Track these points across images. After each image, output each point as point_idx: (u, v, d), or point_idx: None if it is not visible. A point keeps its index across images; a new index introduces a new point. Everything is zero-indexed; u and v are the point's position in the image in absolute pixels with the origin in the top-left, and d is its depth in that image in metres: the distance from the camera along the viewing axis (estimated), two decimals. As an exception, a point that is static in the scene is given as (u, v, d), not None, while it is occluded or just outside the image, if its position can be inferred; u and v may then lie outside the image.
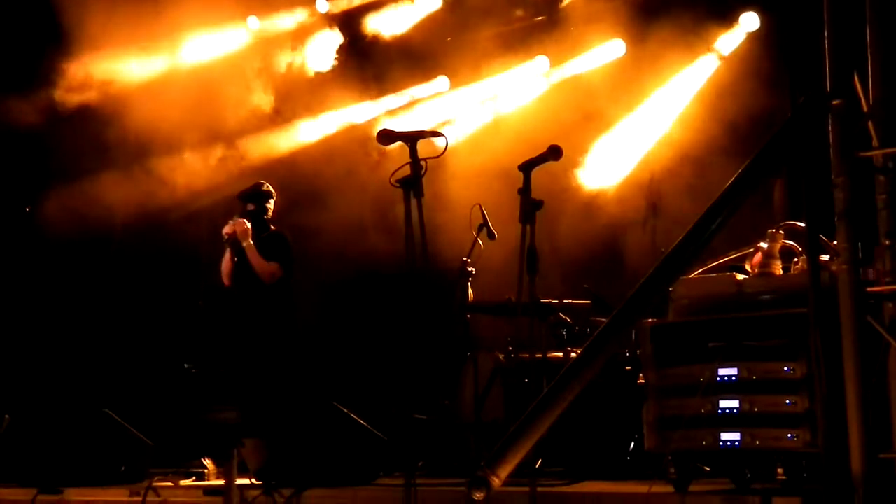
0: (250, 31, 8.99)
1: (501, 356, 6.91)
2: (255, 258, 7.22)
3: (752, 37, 7.83)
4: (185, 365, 7.89)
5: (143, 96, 8.40)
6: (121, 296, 9.01)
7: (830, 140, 4.29)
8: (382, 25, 9.01)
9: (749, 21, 7.81)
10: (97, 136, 8.44)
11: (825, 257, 4.91)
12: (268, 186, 7.47)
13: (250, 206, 7.35)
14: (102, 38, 8.18)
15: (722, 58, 7.97)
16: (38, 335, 8.86)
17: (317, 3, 9.03)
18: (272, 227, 7.46)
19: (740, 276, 5.26)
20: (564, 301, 6.98)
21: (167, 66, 8.72)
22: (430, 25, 8.90)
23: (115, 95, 8.49)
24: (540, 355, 6.01)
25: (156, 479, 6.53)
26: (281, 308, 7.31)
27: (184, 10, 8.27)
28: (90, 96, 8.48)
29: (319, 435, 6.34)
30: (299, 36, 8.99)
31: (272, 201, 7.44)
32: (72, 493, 6.50)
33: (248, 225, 7.25)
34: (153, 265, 8.91)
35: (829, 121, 4.29)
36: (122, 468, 6.84)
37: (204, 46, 8.80)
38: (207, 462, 7.29)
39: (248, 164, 8.83)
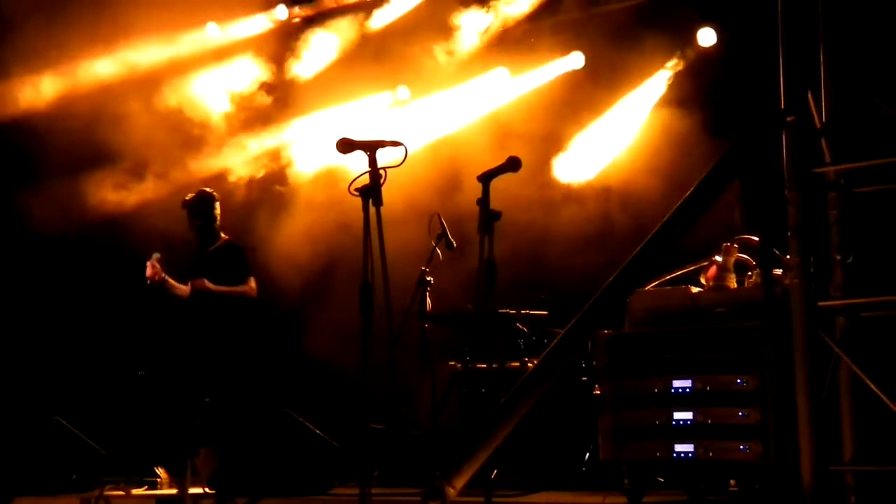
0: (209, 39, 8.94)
1: (458, 365, 6.92)
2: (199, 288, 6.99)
3: (709, 52, 7.92)
4: (140, 372, 7.79)
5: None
6: (72, 300, 8.88)
7: (784, 156, 4.35)
8: (343, 33, 9.00)
9: (706, 37, 7.90)
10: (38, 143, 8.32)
11: (779, 271, 4.98)
12: (212, 191, 7.23)
13: (197, 222, 7.10)
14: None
15: (679, 72, 8.06)
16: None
17: (277, 9, 9.00)
18: (222, 234, 7.23)
19: (695, 289, 5.32)
20: (522, 311, 7.01)
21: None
22: (391, 34, 8.90)
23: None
24: (497, 365, 6.04)
25: (107, 487, 6.45)
26: (232, 315, 7.17)
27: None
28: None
29: (273, 444, 6.31)
30: (258, 44, 8.95)
31: (217, 206, 7.18)
32: (22, 502, 6.40)
33: (157, 266, 6.95)
34: (107, 269, 8.80)
35: (783, 137, 4.35)
36: (73, 476, 6.75)
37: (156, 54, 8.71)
38: (160, 471, 7.21)
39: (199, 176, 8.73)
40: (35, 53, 8.10)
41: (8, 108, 8.25)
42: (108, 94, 8.43)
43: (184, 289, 7.02)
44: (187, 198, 7.17)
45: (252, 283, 7.11)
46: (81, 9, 7.92)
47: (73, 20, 7.95)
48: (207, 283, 6.93)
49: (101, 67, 8.50)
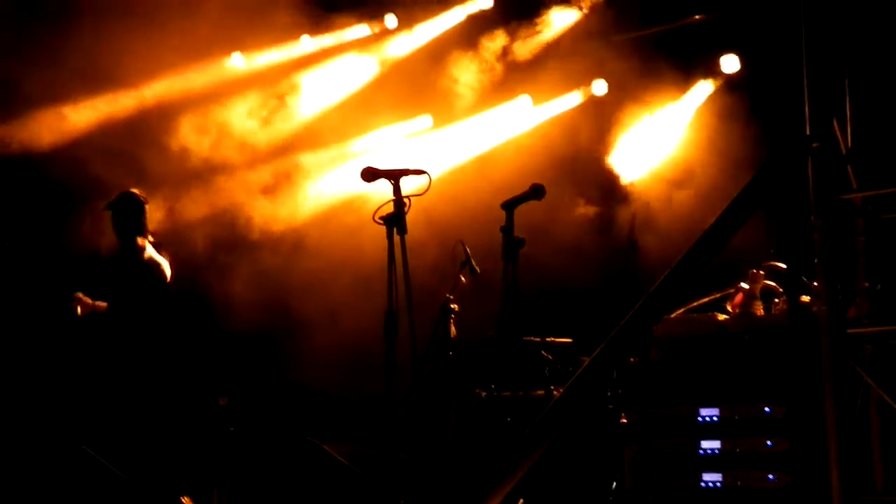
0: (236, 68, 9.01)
1: (483, 394, 6.89)
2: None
3: (732, 78, 7.92)
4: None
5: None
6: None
7: (810, 182, 4.33)
8: (365, 62, 9.07)
9: (729, 63, 7.90)
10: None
11: (806, 298, 4.94)
12: (140, 194, 6.79)
13: (123, 225, 6.59)
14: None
15: (702, 98, 8.06)
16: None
17: (302, 39, 9.08)
18: (150, 239, 6.72)
19: (722, 317, 5.29)
20: (547, 339, 6.98)
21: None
22: (413, 63, 8.96)
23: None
24: (522, 393, 6.01)
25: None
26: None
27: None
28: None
29: (298, 473, 6.29)
30: (284, 74, 9.02)
31: (146, 210, 6.73)
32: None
33: (84, 300, 6.60)
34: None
35: (809, 164, 4.34)
36: None
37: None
38: (186, 501, 7.20)
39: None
40: (67, 83, 8.18)
41: (46, 138, 8.31)
42: (133, 125, 8.50)
43: (102, 305, 6.66)
44: (114, 200, 6.73)
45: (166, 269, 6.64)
46: (110, 41, 8.01)
47: (101, 51, 8.04)
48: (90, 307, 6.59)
49: (128, 98, 8.57)
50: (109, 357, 6.62)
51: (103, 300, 6.72)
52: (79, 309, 6.58)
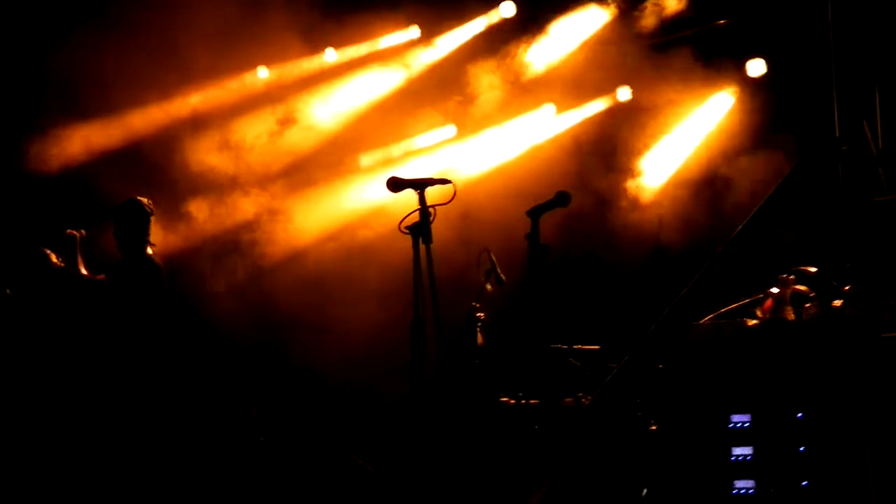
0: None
1: (511, 402, 6.87)
2: None
3: (759, 82, 7.87)
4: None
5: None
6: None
7: (840, 185, 4.30)
8: (390, 74, 9.09)
9: (756, 67, 7.85)
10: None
11: (838, 302, 4.89)
12: (147, 204, 6.70)
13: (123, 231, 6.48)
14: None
15: (729, 103, 8.01)
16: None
17: (326, 52, 9.11)
18: (150, 251, 6.66)
19: (752, 322, 5.24)
20: (574, 346, 6.95)
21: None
22: (437, 74, 8.98)
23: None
24: (550, 401, 5.98)
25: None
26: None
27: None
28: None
29: (328, 482, 6.29)
30: (308, 87, 9.05)
31: (151, 220, 6.64)
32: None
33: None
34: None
35: (839, 166, 4.30)
36: None
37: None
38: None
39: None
40: (103, 97, 8.26)
41: (75, 153, 8.37)
42: (164, 138, 8.56)
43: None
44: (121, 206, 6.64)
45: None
46: (141, 53, 8.08)
47: (133, 65, 8.11)
48: None
49: (159, 111, 8.63)
50: (114, 363, 6.50)
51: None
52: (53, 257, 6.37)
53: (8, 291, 6.41)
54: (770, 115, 7.49)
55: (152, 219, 6.65)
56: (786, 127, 7.14)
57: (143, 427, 6.41)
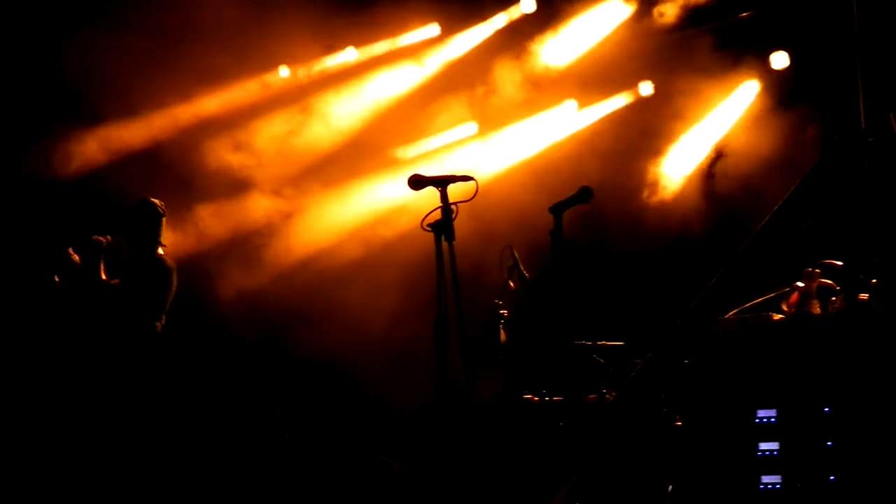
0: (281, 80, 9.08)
1: (535, 399, 6.85)
2: None
3: (783, 74, 7.82)
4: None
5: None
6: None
7: (866, 177, 4.26)
8: (410, 71, 9.09)
9: (779, 60, 7.80)
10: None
11: (864, 295, 4.85)
12: (160, 205, 6.68)
13: (139, 241, 6.48)
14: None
15: (752, 95, 7.96)
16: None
17: (346, 50, 9.12)
18: (161, 252, 6.66)
19: (777, 316, 5.20)
20: (598, 342, 6.93)
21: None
22: (458, 71, 8.97)
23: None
24: (574, 398, 5.97)
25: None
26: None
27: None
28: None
29: (354, 480, 6.29)
30: (329, 86, 9.07)
31: (163, 221, 6.65)
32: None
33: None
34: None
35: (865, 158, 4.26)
36: None
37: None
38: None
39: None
40: (128, 99, 8.29)
41: (95, 156, 8.41)
42: (185, 140, 8.60)
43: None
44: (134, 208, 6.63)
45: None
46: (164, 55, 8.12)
47: (151, 66, 8.14)
48: None
49: (182, 112, 8.66)
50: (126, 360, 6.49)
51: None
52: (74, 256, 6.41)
53: (56, 279, 6.43)
54: (794, 106, 7.45)
55: (164, 220, 6.66)
56: (810, 119, 7.09)
57: (167, 427, 6.43)
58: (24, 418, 6.83)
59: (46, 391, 6.79)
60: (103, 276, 6.51)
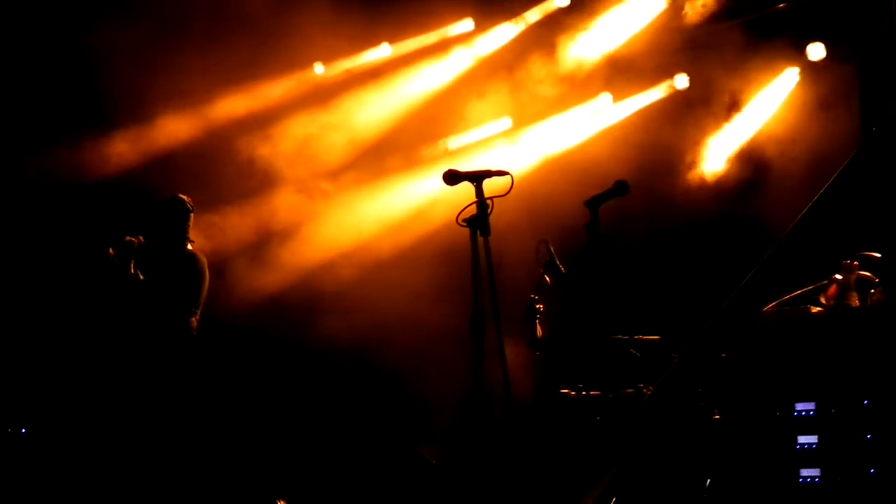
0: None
1: (572, 393, 6.85)
2: None
3: (819, 66, 7.75)
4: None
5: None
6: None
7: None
8: (446, 66, 9.10)
9: (816, 51, 7.73)
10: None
11: (903, 287, 4.81)
12: (188, 201, 6.74)
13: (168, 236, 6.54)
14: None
15: (789, 87, 7.90)
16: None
17: (381, 46, 9.15)
18: (189, 247, 6.68)
19: (815, 309, 5.17)
20: (635, 336, 6.92)
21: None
22: (492, 65, 8.97)
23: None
24: (611, 392, 5.96)
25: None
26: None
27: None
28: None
29: (390, 475, 6.33)
30: (364, 82, 9.10)
31: (191, 217, 6.68)
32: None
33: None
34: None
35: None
36: None
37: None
38: (281, 503, 7.31)
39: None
40: (172, 93, 8.36)
41: (144, 149, 8.47)
42: (231, 134, 8.66)
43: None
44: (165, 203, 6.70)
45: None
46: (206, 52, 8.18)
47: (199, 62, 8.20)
48: None
49: (214, 110, 8.72)
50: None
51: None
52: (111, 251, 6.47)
53: (111, 251, 6.50)
54: (831, 99, 7.38)
55: (192, 216, 6.71)
56: (848, 109, 7.02)
57: (206, 423, 6.50)
58: (73, 415, 6.92)
59: (93, 388, 6.88)
60: (139, 275, 6.58)
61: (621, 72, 8.54)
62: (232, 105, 8.75)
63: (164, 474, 6.27)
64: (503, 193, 4.93)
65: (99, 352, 6.92)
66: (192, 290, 6.54)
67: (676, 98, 8.42)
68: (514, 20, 8.96)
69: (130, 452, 6.30)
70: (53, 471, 6.66)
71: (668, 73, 8.43)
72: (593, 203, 5.12)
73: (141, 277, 6.60)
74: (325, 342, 8.46)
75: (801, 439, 4.90)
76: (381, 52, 9.19)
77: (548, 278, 6.90)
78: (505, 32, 8.98)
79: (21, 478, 6.59)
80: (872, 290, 5.16)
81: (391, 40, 9.12)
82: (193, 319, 6.58)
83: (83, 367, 7.13)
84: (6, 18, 8.08)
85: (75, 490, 6.52)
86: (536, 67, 8.67)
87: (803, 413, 4.93)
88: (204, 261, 6.66)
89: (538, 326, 7.01)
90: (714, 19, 8.02)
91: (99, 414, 6.65)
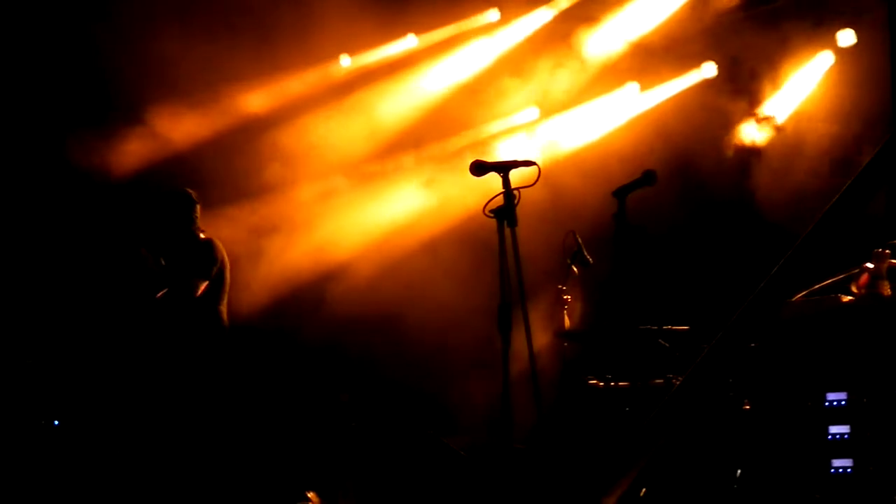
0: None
1: (600, 384, 6.84)
2: None
3: (847, 55, 7.66)
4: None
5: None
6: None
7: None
8: (471, 57, 9.08)
9: (846, 38, 7.65)
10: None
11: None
12: (193, 194, 6.74)
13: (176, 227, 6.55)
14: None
15: (823, 68, 7.82)
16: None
17: (407, 37, 9.13)
18: (202, 236, 6.71)
19: (846, 298, 5.12)
20: (664, 327, 6.88)
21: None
22: (518, 56, 8.94)
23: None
24: (640, 383, 5.94)
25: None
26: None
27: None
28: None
29: (419, 466, 6.34)
30: (390, 74, 9.09)
31: (197, 208, 6.69)
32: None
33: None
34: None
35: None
36: None
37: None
38: (312, 496, 7.34)
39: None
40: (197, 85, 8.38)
41: (175, 141, 8.48)
42: (257, 127, 8.69)
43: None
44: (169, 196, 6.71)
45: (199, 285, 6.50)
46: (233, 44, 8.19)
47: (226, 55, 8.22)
48: None
49: (251, 101, 8.73)
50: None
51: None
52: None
53: (143, 251, 6.55)
54: (864, 81, 7.30)
55: (199, 207, 6.69)
56: (881, 93, 6.95)
57: (240, 415, 6.53)
58: (107, 408, 6.98)
59: (127, 381, 6.93)
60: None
61: (649, 60, 8.48)
62: (256, 99, 8.78)
63: (197, 466, 6.31)
64: (530, 184, 4.90)
65: (134, 344, 6.97)
66: (216, 277, 6.54)
67: (705, 86, 8.36)
68: (540, 9, 8.92)
69: (166, 444, 6.35)
70: (87, 462, 6.72)
71: (696, 61, 8.37)
72: (621, 193, 5.09)
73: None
74: (349, 337, 8.47)
75: (833, 429, 4.87)
76: (408, 43, 9.18)
77: (575, 269, 6.88)
78: (531, 22, 8.94)
79: (54, 469, 6.65)
80: (905, 279, 5.11)
81: (417, 31, 9.11)
82: (222, 308, 6.60)
83: (118, 360, 7.19)
84: (23, 13, 8.13)
85: (109, 481, 6.58)
86: (562, 57, 8.63)
87: (835, 403, 4.89)
88: (221, 247, 6.65)
89: (566, 317, 6.99)
90: (742, 5, 7.95)
91: (134, 407, 6.71)
